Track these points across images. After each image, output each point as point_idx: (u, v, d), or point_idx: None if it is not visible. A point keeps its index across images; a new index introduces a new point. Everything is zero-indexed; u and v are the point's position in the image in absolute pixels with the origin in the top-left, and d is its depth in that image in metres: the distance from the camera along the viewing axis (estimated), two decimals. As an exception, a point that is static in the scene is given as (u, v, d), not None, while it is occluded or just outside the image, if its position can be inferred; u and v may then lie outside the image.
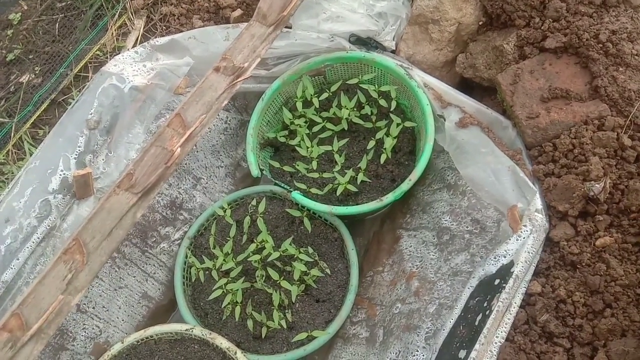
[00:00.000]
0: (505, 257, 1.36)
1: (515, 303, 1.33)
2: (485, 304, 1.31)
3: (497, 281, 1.34)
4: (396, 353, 1.50)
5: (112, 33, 1.92)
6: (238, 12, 1.91)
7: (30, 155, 1.78)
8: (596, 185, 1.37)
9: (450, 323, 1.35)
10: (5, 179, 1.84)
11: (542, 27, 1.61)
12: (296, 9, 1.50)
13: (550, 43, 1.58)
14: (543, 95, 1.54)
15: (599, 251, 1.35)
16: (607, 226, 1.37)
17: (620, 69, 1.48)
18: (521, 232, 1.37)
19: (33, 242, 1.57)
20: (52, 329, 1.15)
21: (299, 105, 1.87)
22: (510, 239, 1.38)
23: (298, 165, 1.82)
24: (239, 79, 1.39)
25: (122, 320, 1.77)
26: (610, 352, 1.22)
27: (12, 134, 1.86)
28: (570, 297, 1.32)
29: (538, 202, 1.42)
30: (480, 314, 1.30)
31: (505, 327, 1.30)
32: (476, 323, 1.30)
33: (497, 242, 1.45)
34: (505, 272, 1.34)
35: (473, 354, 1.25)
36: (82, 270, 1.17)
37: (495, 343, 1.29)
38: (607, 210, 1.38)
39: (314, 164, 1.81)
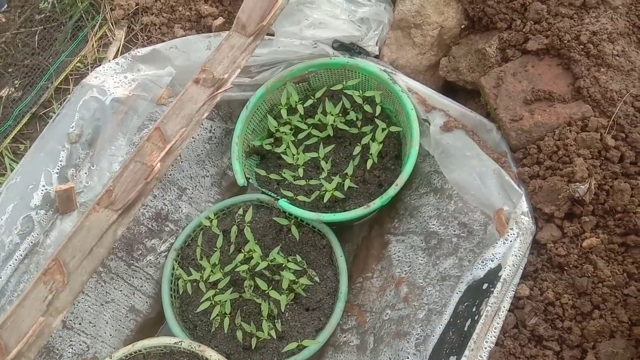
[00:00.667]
0: (492, 260, 1.36)
1: (504, 307, 1.33)
2: (474, 309, 1.31)
3: (485, 285, 1.34)
4: (387, 360, 1.49)
5: (93, 44, 1.89)
6: (220, 21, 1.90)
7: (11, 171, 1.76)
8: (581, 186, 1.37)
9: (439, 329, 1.35)
10: (-13, 195, 1.80)
11: (524, 30, 1.61)
12: (276, 18, 1.49)
13: (532, 45, 1.58)
14: (526, 97, 1.54)
15: (585, 252, 1.35)
16: (593, 227, 1.37)
17: (602, 69, 1.49)
18: (508, 235, 1.37)
19: (16, 260, 1.55)
20: (33, 352, 1.12)
21: (284, 112, 1.86)
22: (497, 243, 1.38)
23: (284, 173, 1.81)
24: (219, 91, 1.37)
25: (110, 335, 1.74)
26: (599, 353, 1.22)
27: (-7, 149, 1.84)
28: (559, 299, 1.32)
29: (524, 205, 1.42)
30: (470, 319, 1.30)
31: (494, 332, 1.30)
32: (465, 328, 1.29)
33: (485, 245, 1.44)
34: (493, 276, 1.34)
35: (463, 359, 1.24)
36: (63, 291, 1.15)
37: (485, 348, 1.28)
38: (593, 211, 1.39)
39: (301, 171, 1.80)
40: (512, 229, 1.38)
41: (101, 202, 1.25)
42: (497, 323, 1.31)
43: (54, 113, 1.76)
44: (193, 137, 1.82)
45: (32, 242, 1.57)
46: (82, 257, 1.19)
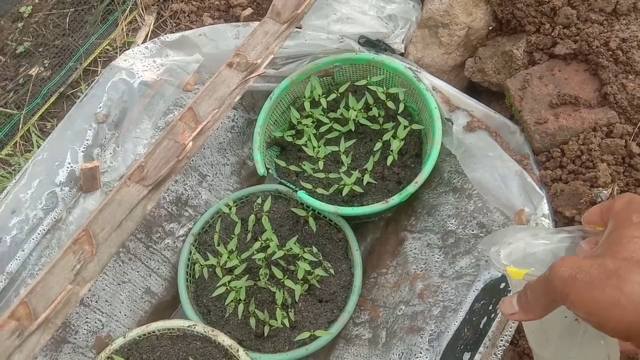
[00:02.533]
0: (511, 261, 1.36)
1: (520, 307, 1.33)
2: (490, 307, 1.31)
3: (502, 285, 1.34)
4: (399, 354, 1.50)
5: (122, 28, 1.92)
6: (248, 11, 1.92)
7: (38, 148, 1.78)
8: (604, 191, 1.37)
9: (454, 325, 1.35)
10: (13, 170, 1.84)
11: (552, 34, 1.61)
12: (310, 7, 1.50)
13: (560, 49, 1.59)
14: (552, 101, 1.55)
15: (605, 257, 1.34)
16: (614, 233, 1.37)
17: (630, 76, 1.49)
18: (528, 236, 1.37)
19: (38, 234, 1.57)
20: (60, 319, 1.14)
21: (307, 105, 1.87)
22: (516, 243, 1.38)
23: (304, 165, 1.83)
24: (252, 75, 1.39)
25: (125, 315, 1.77)
26: (614, 358, 1.22)
27: (20, 126, 1.87)
28: (576, 302, 1.31)
29: (545, 207, 1.42)
30: (486, 317, 1.30)
31: (510, 331, 1.30)
32: (481, 326, 1.30)
33: (503, 246, 1.45)
34: (511, 276, 1.34)
35: (477, 356, 1.25)
36: (91, 261, 1.17)
37: (500, 346, 1.29)
38: (614, 217, 1.38)
39: (321, 164, 1.82)
40: (532, 230, 1.38)
41: (132, 177, 1.27)
42: (513, 322, 1.31)
43: (81, 93, 1.79)
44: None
45: (55, 218, 1.59)
46: (111, 229, 1.21)
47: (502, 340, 1.29)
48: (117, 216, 1.23)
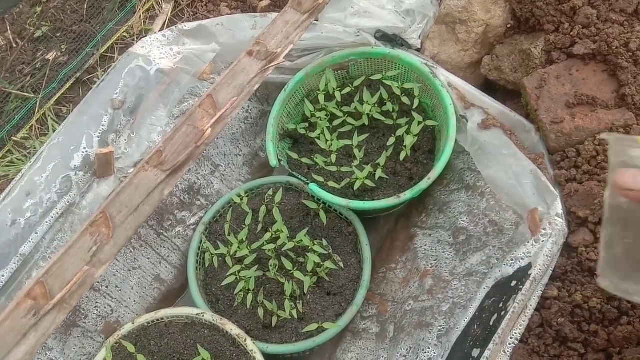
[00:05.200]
0: (523, 259, 1.36)
1: (530, 305, 1.33)
2: (501, 305, 1.31)
3: (513, 283, 1.34)
4: (407, 349, 1.50)
5: (140, 16, 1.93)
6: (266, 2, 1.92)
7: (54, 132, 1.80)
8: (619, 193, 1.36)
9: (464, 322, 1.35)
10: (28, 153, 1.85)
11: (571, 33, 1.60)
12: (332, -2, 1.50)
13: (578, 49, 1.58)
14: (569, 100, 1.54)
15: (617, 259, 1.34)
16: (627, 235, 1.37)
17: (649, 78, 1.48)
18: (541, 235, 1.37)
19: (52, 217, 1.58)
20: (75, 300, 1.15)
21: (321, 98, 1.87)
22: (529, 242, 1.38)
23: (317, 158, 1.83)
24: (271, 64, 1.39)
25: (134, 301, 1.78)
26: (625, 359, 1.22)
27: (37, 110, 1.88)
28: (587, 302, 1.31)
29: (559, 207, 1.42)
30: (496, 314, 1.30)
31: (520, 329, 1.30)
32: (491, 323, 1.30)
33: (515, 244, 1.44)
34: (522, 274, 1.34)
35: (487, 353, 1.25)
36: (108, 244, 1.18)
37: (509, 344, 1.29)
38: (628, 218, 1.38)
39: (333, 158, 1.82)
40: (545, 229, 1.38)
41: (150, 162, 1.28)
42: (523, 320, 1.31)
43: (98, 79, 1.80)
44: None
45: (68, 202, 1.61)
46: (128, 212, 1.22)
47: (511, 338, 1.29)
48: (134, 200, 1.24)
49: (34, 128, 1.85)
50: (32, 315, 1.13)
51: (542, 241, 1.37)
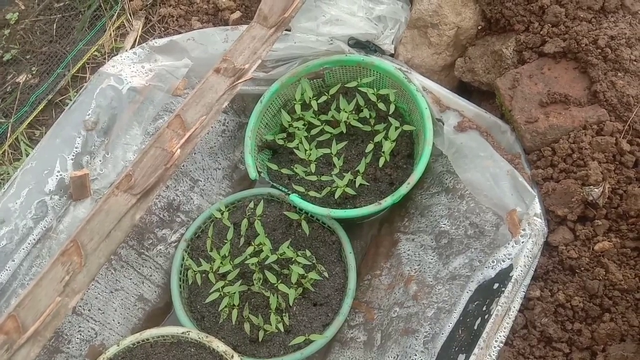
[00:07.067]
0: (504, 261, 1.36)
1: (514, 307, 1.33)
2: (484, 308, 1.31)
3: (496, 285, 1.34)
4: (394, 357, 1.50)
5: (110, 34, 1.91)
6: (237, 15, 1.91)
7: (27, 156, 1.77)
8: (595, 189, 1.37)
9: (449, 327, 1.35)
10: (1, 179, 1.82)
11: (541, 32, 1.61)
12: (297, 10, 1.49)
13: (549, 48, 1.58)
14: (542, 99, 1.55)
15: (597, 256, 1.35)
16: (606, 231, 1.37)
17: (619, 74, 1.49)
18: (520, 236, 1.37)
19: (29, 244, 1.56)
20: (49, 332, 1.13)
21: (298, 107, 1.86)
22: (509, 243, 1.38)
23: (296, 168, 1.82)
24: (239, 81, 1.38)
25: (118, 322, 1.75)
26: (609, 356, 1.22)
27: (9, 134, 1.85)
28: (569, 301, 1.32)
29: (537, 207, 1.42)
30: (480, 318, 1.30)
31: (504, 331, 1.30)
32: (475, 327, 1.29)
33: (496, 246, 1.45)
34: (504, 276, 1.34)
35: (472, 358, 1.25)
36: (80, 272, 1.16)
37: (494, 347, 1.28)
38: (606, 214, 1.39)
39: (313, 167, 1.81)
40: (524, 230, 1.38)
41: (120, 186, 1.26)
42: (507, 323, 1.31)
43: (70, 100, 1.77)
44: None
45: (45, 227, 1.58)
46: (99, 239, 1.20)
47: (496, 341, 1.29)
48: (105, 226, 1.22)
49: (6, 153, 1.82)
50: (5, 350, 1.10)
51: (522, 242, 1.37)
